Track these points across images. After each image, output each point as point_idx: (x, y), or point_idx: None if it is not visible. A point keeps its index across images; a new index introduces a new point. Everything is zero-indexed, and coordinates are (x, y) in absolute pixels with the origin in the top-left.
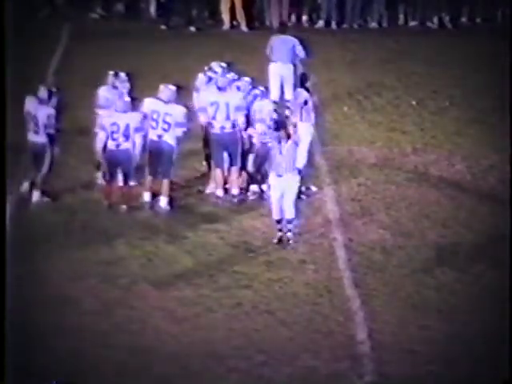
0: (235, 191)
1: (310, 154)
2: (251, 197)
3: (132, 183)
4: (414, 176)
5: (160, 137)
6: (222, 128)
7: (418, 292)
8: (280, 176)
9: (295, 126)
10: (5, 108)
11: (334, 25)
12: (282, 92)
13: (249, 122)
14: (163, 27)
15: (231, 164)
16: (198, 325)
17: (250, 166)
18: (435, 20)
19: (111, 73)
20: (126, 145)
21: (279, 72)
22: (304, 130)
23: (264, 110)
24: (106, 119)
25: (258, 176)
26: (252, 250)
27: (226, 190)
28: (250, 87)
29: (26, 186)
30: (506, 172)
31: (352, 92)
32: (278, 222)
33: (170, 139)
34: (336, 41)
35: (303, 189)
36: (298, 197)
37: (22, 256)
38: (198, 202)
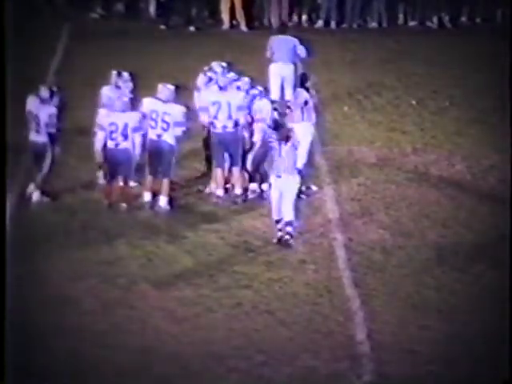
0: (238, 191)
1: (310, 153)
2: (250, 196)
3: (132, 183)
4: (413, 176)
5: (159, 136)
6: (224, 127)
7: (417, 292)
8: (279, 177)
9: (292, 129)
10: (5, 108)
11: (333, 25)
12: (283, 92)
13: (252, 122)
14: (163, 27)
15: (232, 164)
16: (197, 325)
17: (249, 166)
18: (435, 20)
19: (114, 72)
20: (124, 144)
21: (280, 72)
22: (304, 129)
23: (263, 109)
24: (104, 119)
25: (257, 175)
26: (252, 250)
27: (226, 190)
28: (248, 87)
29: (31, 187)
30: (506, 172)
31: (352, 92)
32: (278, 221)
33: (169, 139)
34: (336, 41)
35: (303, 188)
36: (298, 196)
37: (22, 256)
38: (198, 201)
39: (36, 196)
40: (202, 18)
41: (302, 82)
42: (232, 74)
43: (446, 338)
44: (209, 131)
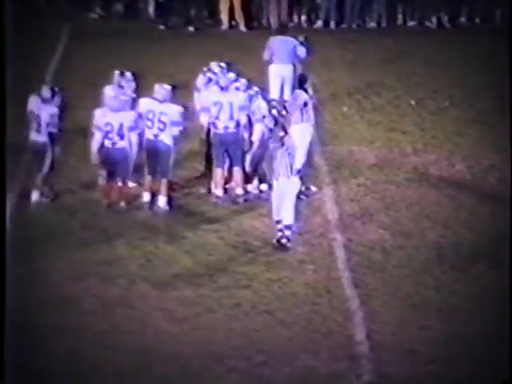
0: (239, 191)
1: (310, 154)
2: (250, 196)
3: (131, 183)
4: (413, 176)
5: (156, 136)
6: (226, 128)
7: (418, 292)
8: (277, 179)
9: (284, 135)
10: (5, 108)
11: (332, 25)
12: (282, 93)
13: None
14: (162, 27)
15: (233, 164)
16: (197, 325)
17: (248, 166)
18: (434, 20)
19: (117, 72)
20: (121, 144)
21: (280, 73)
22: (304, 130)
23: (261, 110)
24: (100, 119)
25: (256, 176)
26: (251, 251)
27: (225, 190)
28: (245, 88)
29: (35, 195)
30: (506, 172)
31: (351, 92)
32: (278, 222)
33: (166, 139)
34: (335, 41)
35: (303, 189)
36: (298, 197)
37: (22, 256)
38: (197, 201)
39: (36, 196)
40: (201, 18)
41: (300, 83)
42: (232, 75)
43: (446, 338)
44: (209, 131)
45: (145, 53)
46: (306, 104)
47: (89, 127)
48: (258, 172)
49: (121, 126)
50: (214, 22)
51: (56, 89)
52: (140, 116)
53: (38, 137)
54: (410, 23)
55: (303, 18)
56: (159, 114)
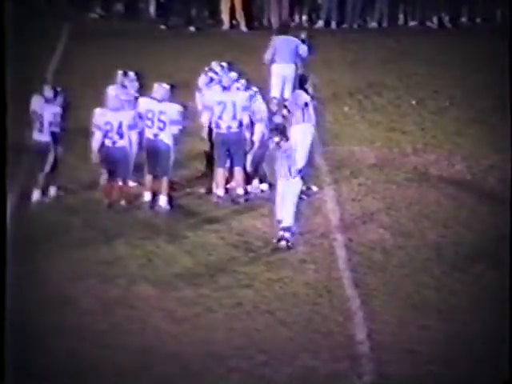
0: (240, 191)
1: (310, 154)
2: (251, 195)
3: (132, 183)
4: (413, 176)
5: (156, 136)
6: (229, 128)
7: (417, 292)
8: (278, 179)
9: (282, 139)
10: (5, 108)
11: (333, 25)
12: (283, 92)
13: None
14: (163, 27)
15: (235, 164)
16: (198, 325)
17: (248, 166)
18: (435, 20)
19: (120, 72)
20: (121, 143)
21: (282, 72)
22: (305, 130)
23: (261, 110)
24: (99, 118)
25: (256, 176)
26: (252, 250)
27: (226, 190)
28: (243, 88)
29: (36, 194)
30: (506, 172)
31: (352, 92)
32: (279, 222)
33: (166, 138)
34: (336, 41)
35: (304, 188)
36: (299, 197)
37: (22, 256)
38: (198, 201)
39: (37, 195)
40: (202, 18)
41: (301, 83)
42: (233, 74)
43: (446, 337)
44: (210, 131)
45: (145, 53)
46: (306, 104)
47: (89, 127)
48: (258, 172)
49: (120, 124)
50: (214, 21)
51: (59, 89)
52: (140, 116)
53: (41, 136)
54: (411, 23)
55: (304, 17)
56: (158, 113)
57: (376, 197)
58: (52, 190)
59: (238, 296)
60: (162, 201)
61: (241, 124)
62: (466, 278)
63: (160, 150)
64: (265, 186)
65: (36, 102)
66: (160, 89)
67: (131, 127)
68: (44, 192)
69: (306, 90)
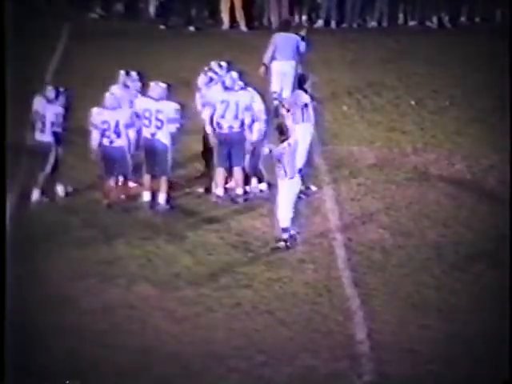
0: (239, 191)
1: (310, 153)
2: (251, 195)
3: (131, 182)
4: (413, 176)
5: (153, 135)
6: (231, 128)
7: (417, 291)
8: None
9: (284, 134)
10: (5, 108)
11: (333, 24)
12: (282, 89)
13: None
14: (162, 27)
15: (235, 164)
16: (198, 325)
17: (246, 166)
18: (434, 20)
19: (122, 72)
20: (119, 142)
21: (282, 69)
22: (304, 130)
23: (259, 109)
24: (97, 117)
25: (254, 176)
26: (252, 250)
27: (225, 190)
28: (239, 88)
29: (36, 194)
30: (506, 172)
31: (352, 91)
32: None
33: (163, 137)
34: (336, 40)
35: (303, 188)
36: (298, 197)
37: (22, 256)
38: (198, 201)
39: (36, 195)
40: (202, 18)
41: (300, 83)
42: (234, 74)
43: (445, 337)
44: (211, 130)
45: (145, 53)
46: (306, 105)
47: (88, 127)
48: (255, 172)
49: (117, 123)
50: (214, 21)
51: (61, 89)
52: (137, 115)
53: (43, 137)
54: (411, 23)
55: (304, 17)
56: (156, 112)
57: (375, 196)
58: (59, 189)
59: (238, 296)
60: (161, 199)
61: (242, 124)
62: (465, 278)
63: (157, 149)
64: (264, 186)
65: (38, 103)
66: (157, 88)
67: (128, 126)
68: (44, 192)
69: (305, 90)
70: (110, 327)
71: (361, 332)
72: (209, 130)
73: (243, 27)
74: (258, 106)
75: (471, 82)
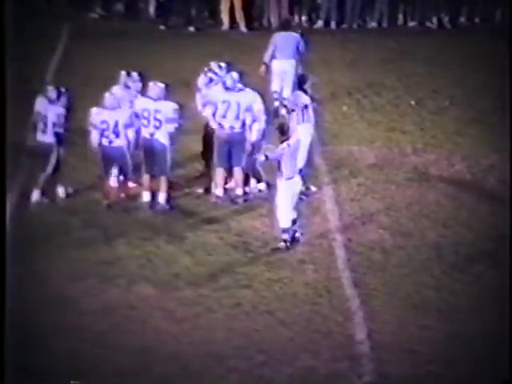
0: (239, 191)
1: (309, 153)
2: (250, 195)
3: (131, 183)
4: (413, 176)
5: (152, 135)
6: (232, 128)
7: (417, 292)
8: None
9: (285, 135)
10: (5, 108)
11: (333, 25)
12: (282, 88)
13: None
14: (162, 27)
15: (234, 164)
16: (197, 325)
17: (245, 166)
18: (434, 20)
19: (123, 72)
20: (118, 142)
21: (282, 68)
22: (304, 130)
23: (259, 109)
24: (96, 117)
25: (252, 176)
26: (251, 250)
27: (225, 190)
28: (238, 89)
29: (36, 194)
30: (506, 172)
31: (351, 92)
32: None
33: (161, 137)
34: (335, 41)
35: (303, 189)
36: (299, 198)
37: (22, 256)
38: (197, 201)
39: (36, 196)
40: (202, 18)
41: (300, 83)
42: (235, 74)
43: (446, 337)
44: (206, 133)
45: (145, 53)
46: (306, 106)
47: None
48: (254, 172)
49: (116, 123)
50: (214, 22)
51: (62, 89)
52: (136, 115)
53: (44, 137)
54: (411, 23)
55: (304, 17)
56: (154, 111)
57: (375, 197)
58: (60, 190)
59: (238, 296)
60: (161, 197)
61: (243, 124)
62: (466, 278)
63: (156, 149)
64: (262, 186)
65: (40, 103)
66: (155, 88)
67: (127, 126)
68: (44, 193)
69: (305, 91)
70: (110, 327)
71: (361, 332)
72: (214, 124)
73: (243, 28)
74: (258, 106)
75: (471, 82)
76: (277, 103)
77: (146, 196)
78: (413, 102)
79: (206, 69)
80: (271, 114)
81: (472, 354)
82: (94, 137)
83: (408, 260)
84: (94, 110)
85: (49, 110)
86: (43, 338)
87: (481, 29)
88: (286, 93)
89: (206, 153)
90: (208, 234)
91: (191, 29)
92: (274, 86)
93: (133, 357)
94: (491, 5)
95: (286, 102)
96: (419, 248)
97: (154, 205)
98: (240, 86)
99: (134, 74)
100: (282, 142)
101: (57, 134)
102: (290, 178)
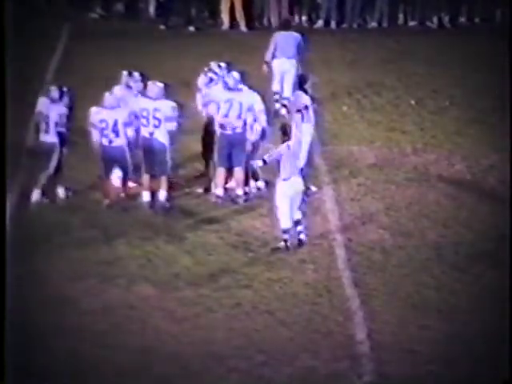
0: (240, 191)
1: (309, 154)
2: (251, 195)
3: (131, 183)
4: (413, 176)
5: (151, 134)
6: (234, 128)
7: (417, 292)
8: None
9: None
10: (5, 108)
11: (333, 24)
12: (282, 87)
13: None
14: (162, 27)
15: (235, 164)
16: (197, 325)
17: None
18: (434, 20)
19: (125, 72)
20: (118, 141)
21: (282, 67)
22: (304, 130)
23: (259, 109)
24: (95, 116)
25: (250, 175)
26: (252, 250)
27: (225, 190)
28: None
29: (36, 194)
30: (506, 172)
31: (351, 92)
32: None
33: (161, 136)
34: (336, 40)
35: (303, 189)
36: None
37: (22, 256)
38: (197, 201)
39: (36, 196)
40: (202, 18)
41: (300, 83)
42: (236, 74)
43: (446, 337)
44: (208, 131)
45: (145, 53)
46: (306, 107)
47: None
48: (252, 172)
49: (115, 122)
50: (214, 21)
51: (65, 89)
52: (135, 115)
53: (47, 137)
54: (411, 23)
55: (304, 17)
56: (153, 111)
57: (375, 197)
58: (60, 191)
59: (238, 296)
60: (162, 196)
61: (245, 124)
62: (466, 278)
63: (156, 148)
64: (261, 184)
65: (42, 103)
66: (154, 87)
67: (126, 124)
68: (44, 193)
69: (305, 91)
70: (110, 327)
71: (361, 332)
72: (219, 118)
73: (243, 27)
74: (258, 106)
75: (471, 82)
76: (278, 105)
77: (145, 196)
78: (413, 102)
79: (206, 69)
80: (271, 114)
81: (472, 354)
82: (95, 136)
83: (408, 260)
84: (94, 110)
85: (51, 109)
86: (43, 338)
87: (481, 29)
88: (287, 92)
89: (206, 153)
90: (208, 234)
91: (191, 29)
92: (275, 86)
93: (133, 357)
94: (491, 5)
95: (286, 102)
96: (419, 248)
97: (153, 204)
98: (241, 85)
99: (136, 74)
100: (283, 142)
101: (59, 134)
102: (286, 179)
